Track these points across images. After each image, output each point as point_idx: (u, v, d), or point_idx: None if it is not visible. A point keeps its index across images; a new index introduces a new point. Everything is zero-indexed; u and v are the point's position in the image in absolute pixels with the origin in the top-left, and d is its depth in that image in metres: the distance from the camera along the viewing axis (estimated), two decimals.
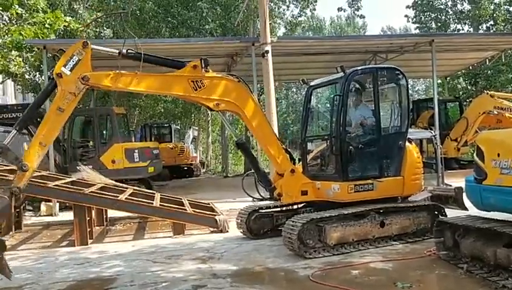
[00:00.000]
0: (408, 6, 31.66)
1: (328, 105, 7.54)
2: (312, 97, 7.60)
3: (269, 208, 7.73)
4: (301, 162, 7.41)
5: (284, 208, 7.63)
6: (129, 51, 6.12)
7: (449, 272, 5.28)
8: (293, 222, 6.33)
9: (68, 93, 5.68)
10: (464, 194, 6.14)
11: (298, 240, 6.10)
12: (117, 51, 6.22)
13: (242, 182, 7.59)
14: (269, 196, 7.30)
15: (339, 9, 28.35)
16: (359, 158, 6.78)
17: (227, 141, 26.98)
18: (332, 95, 6.98)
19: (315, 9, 26.14)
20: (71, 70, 5.69)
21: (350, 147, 6.66)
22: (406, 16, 33.29)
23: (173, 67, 6.42)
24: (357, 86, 7.23)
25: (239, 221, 7.70)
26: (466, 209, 6.57)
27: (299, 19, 26.71)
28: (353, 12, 32.27)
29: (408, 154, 7.02)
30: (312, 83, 7.62)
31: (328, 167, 7.07)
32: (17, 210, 9.48)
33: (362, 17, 32.88)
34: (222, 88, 6.55)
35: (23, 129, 5.90)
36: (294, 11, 27.25)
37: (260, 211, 7.64)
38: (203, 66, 6.34)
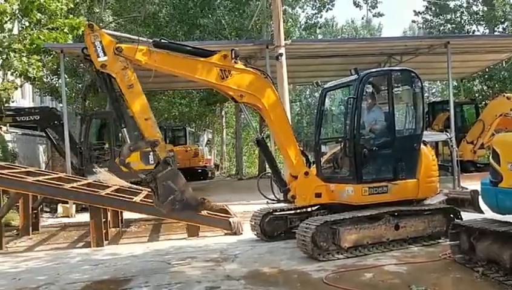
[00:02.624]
0: (417, 13, 31.26)
1: (342, 107, 7.52)
2: (326, 99, 7.59)
3: (283, 210, 7.74)
4: (314, 165, 7.39)
5: (298, 211, 7.63)
6: (162, 40, 6.26)
7: (465, 275, 5.22)
8: (307, 224, 6.33)
9: (121, 70, 5.81)
10: (480, 197, 6.09)
11: (311, 242, 6.10)
12: (129, 36, 6.41)
13: (258, 183, 7.61)
14: (283, 198, 7.31)
15: (355, 4, 27.66)
16: (373, 161, 6.74)
17: (241, 144, 27.06)
18: (346, 98, 6.96)
19: (331, 9, 26.06)
20: (105, 55, 5.79)
21: (364, 149, 6.63)
22: (414, 21, 32.59)
23: (200, 56, 6.47)
24: (372, 88, 7.19)
25: (253, 223, 7.72)
26: (482, 212, 6.49)
27: (315, 20, 26.76)
28: (369, 9, 31.76)
29: (423, 157, 6.95)
30: (326, 86, 7.61)
31: (342, 170, 7.04)
32: (35, 211, 9.66)
33: (380, 15, 31.96)
34: (248, 81, 6.60)
35: (125, 123, 6.22)
36: (309, 12, 27.25)
37: (274, 213, 7.66)
38: (233, 56, 6.41)
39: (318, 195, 6.99)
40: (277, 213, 7.68)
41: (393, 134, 6.86)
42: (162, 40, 6.27)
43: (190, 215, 5.95)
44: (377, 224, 6.44)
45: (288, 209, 7.70)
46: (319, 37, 34.36)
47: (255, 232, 7.71)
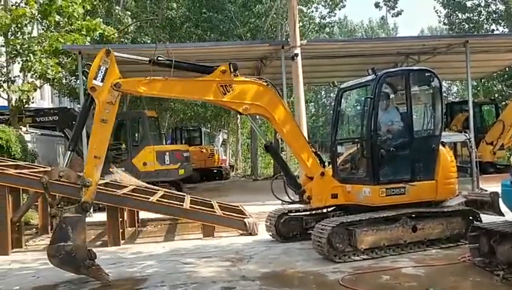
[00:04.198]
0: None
1: (359, 108, 7.45)
2: (343, 100, 7.53)
3: (298, 211, 7.71)
4: (330, 166, 7.34)
5: (313, 212, 7.59)
6: (159, 58, 6.21)
7: (485, 279, 5.13)
8: (322, 225, 6.29)
9: (106, 103, 5.79)
10: (500, 199, 5.97)
11: (327, 243, 6.05)
12: (140, 58, 6.35)
13: (272, 185, 7.60)
14: (298, 199, 7.27)
15: (376, 5, 27.78)
16: (390, 161, 6.66)
17: (257, 144, 27.06)
18: (363, 98, 6.89)
19: (344, 6, 26.03)
20: (102, 81, 5.78)
21: (382, 150, 6.55)
22: (436, 10, 31.39)
23: (203, 73, 6.48)
24: (389, 88, 7.11)
25: (268, 224, 7.70)
26: (502, 215, 6.37)
27: (328, 20, 26.73)
28: (389, 10, 31.74)
29: (442, 158, 6.84)
30: (343, 86, 7.54)
31: (359, 170, 6.98)
32: None
33: (399, 14, 31.57)
34: (251, 92, 6.57)
35: (74, 146, 6.12)
36: (323, 12, 27.39)
37: (289, 214, 7.63)
38: (232, 70, 6.36)
39: (334, 196, 6.94)
40: (292, 214, 7.65)
41: (410, 135, 6.77)
42: (159, 58, 6.20)
43: (68, 270, 5.64)
44: (395, 226, 6.36)
45: (304, 210, 7.66)
46: (336, 37, 34.24)
47: (270, 233, 7.69)
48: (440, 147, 6.91)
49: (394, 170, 6.70)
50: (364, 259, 6.12)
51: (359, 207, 6.73)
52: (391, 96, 7.15)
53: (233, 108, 6.73)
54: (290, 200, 7.47)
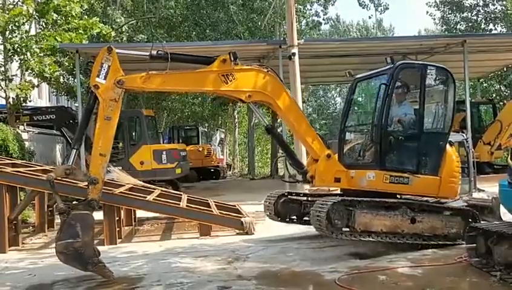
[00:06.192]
0: (429, 4, 30.27)
1: (373, 96, 7.43)
2: (357, 89, 7.52)
3: (298, 195, 7.79)
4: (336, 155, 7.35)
5: (309, 198, 7.61)
6: (159, 52, 6.20)
7: (482, 279, 5.12)
8: (323, 200, 6.32)
9: (109, 100, 5.77)
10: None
11: (326, 219, 6.03)
12: (140, 53, 6.34)
13: (271, 166, 7.66)
14: (302, 179, 7.27)
15: (361, 4, 27.87)
16: (398, 149, 6.68)
17: (254, 143, 27.09)
18: (378, 84, 6.87)
19: (333, 4, 26.45)
20: (105, 79, 5.77)
21: (391, 136, 6.58)
22: (429, 14, 31.14)
23: (202, 64, 6.45)
24: (404, 79, 7.06)
25: (267, 203, 7.73)
26: (502, 221, 6.37)
27: (323, 17, 26.98)
28: (376, 7, 31.77)
29: (448, 156, 6.82)
30: (358, 76, 7.54)
31: (366, 156, 6.99)
32: (50, 209, 9.77)
33: (386, 8, 31.42)
34: (253, 79, 6.56)
35: (80, 145, 6.12)
36: (317, 9, 27.60)
37: (289, 196, 7.69)
38: (232, 59, 6.35)
39: (337, 180, 6.92)
40: (292, 196, 7.69)
41: (420, 127, 6.76)
42: (159, 52, 6.16)
43: (74, 266, 5.62)
44: (394, 213, 6.35)
45: (304, 195, 7.75)
46: (331, 36, 34.33)
47: (268, 213, 7.72)
48: (448, 146, 6.91)
49: (400, 158, 6.72)
50: (361, 240, 6.15)
51: (360, 193, 6.66)
52: (406, 88, 7.09)
53: (236, 96, 6.68)
54: (293, 180, 7.50)
